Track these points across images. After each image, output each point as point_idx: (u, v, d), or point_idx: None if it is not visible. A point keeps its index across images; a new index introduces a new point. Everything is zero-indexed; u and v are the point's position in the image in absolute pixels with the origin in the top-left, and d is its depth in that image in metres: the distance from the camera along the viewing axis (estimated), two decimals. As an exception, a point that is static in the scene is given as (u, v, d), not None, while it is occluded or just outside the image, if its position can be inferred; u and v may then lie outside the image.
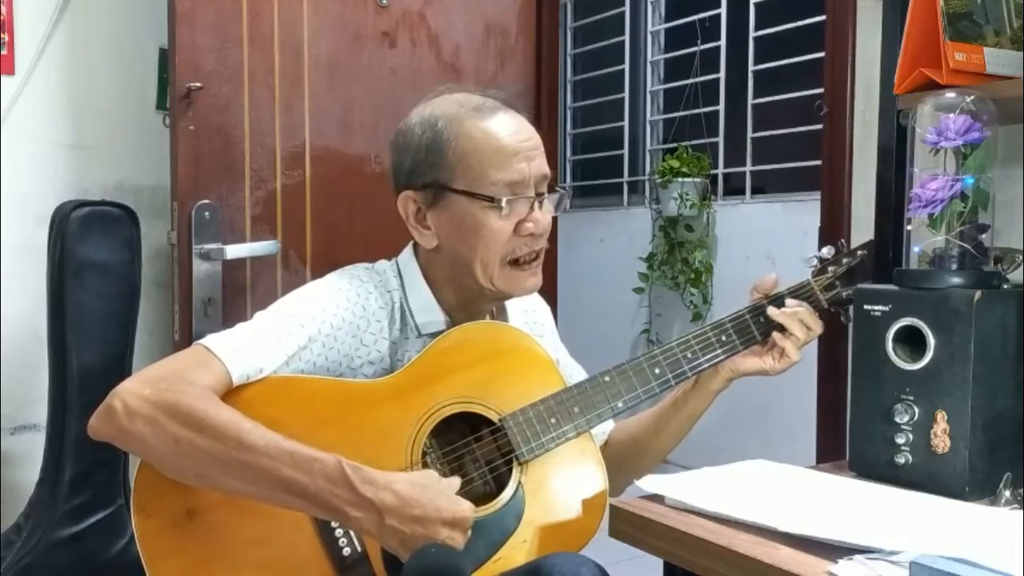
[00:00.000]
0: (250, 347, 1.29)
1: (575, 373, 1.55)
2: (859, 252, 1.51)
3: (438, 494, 1.20)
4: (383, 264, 1.47)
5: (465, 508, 1.20)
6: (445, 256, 1.41)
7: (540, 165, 1.39)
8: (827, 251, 1.51)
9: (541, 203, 1.40)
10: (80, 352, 1.96)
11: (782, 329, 1.43)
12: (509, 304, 1.52)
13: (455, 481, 1.25)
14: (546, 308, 1.63)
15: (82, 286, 1.97)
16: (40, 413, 2.08)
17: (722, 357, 1.45)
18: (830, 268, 1.50)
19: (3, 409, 2.14)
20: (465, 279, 1.41)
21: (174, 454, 1.21)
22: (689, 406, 1.49)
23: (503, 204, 1.36)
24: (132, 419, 1.20)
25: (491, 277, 1.39)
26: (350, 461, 1.18)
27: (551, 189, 1.43)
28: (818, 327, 1.45)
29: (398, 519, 1.16)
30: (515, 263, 1.39)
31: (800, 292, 1.49)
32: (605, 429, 1.58)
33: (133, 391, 1.22)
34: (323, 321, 1.34)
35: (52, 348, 2.00)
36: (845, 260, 1.50)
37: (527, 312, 1.56)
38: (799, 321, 1.43)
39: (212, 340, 1.29)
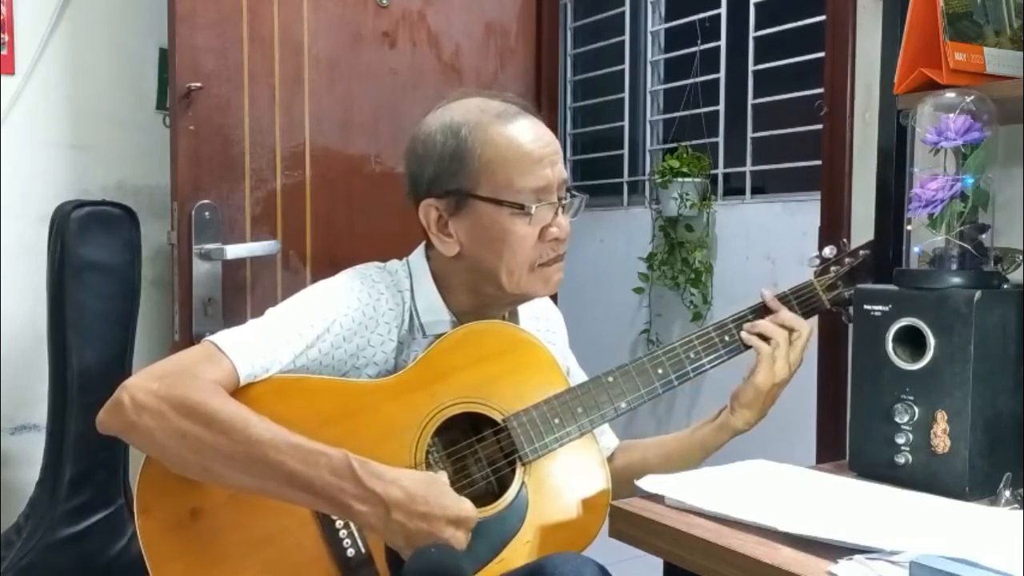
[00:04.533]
0: (259, 346, 1.29)
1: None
2: (861, 252, 1.51)
3: (443, 492, 1.20)
4: (395, 264, 1.47)
5: (468, 508, 1.21)
6: (466, 263, 1.40)
7: (561, 170, 1.40)
8: (829, 251, 1.52)
9: (564, 208, 1.40)
10: (80, 352, 1.96)
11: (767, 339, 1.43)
12: (521, 311, 1.51)
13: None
14: (559, 316, 1.62)
15: (82, 286, 1.97)
16: (40, 413, 2.08)
17: (725, 358, 1.45)
18: (832, 268, 1.50)
19: (3, 409, 2.14)
20: (485, 286, 1.40)
21: (180, 448, 1.21)
22: (705, 440, 1.49)
23: (532, 211, 1.36)
24: (139, 413, 1.21)
25: (518, 283, 1.38)
26: (357, 456, 1.19)
27: (568, 193, 1.42)
28: (804, 327, 1.44)
29: (404, 514, 1.17)
30: (541, 266, 1.40)
31: (803, 292, 1.49)
32: (608, 446, 1.58)
33: (141, 386, 1.23)
34: (333, 321, 1.34)
35: (52, 348, 2.00)
36: (847, 260, 1.51)
37: (538, 320, 1.56)
38: (779, 326, 1.43)
39: (222, 337, 1.29)
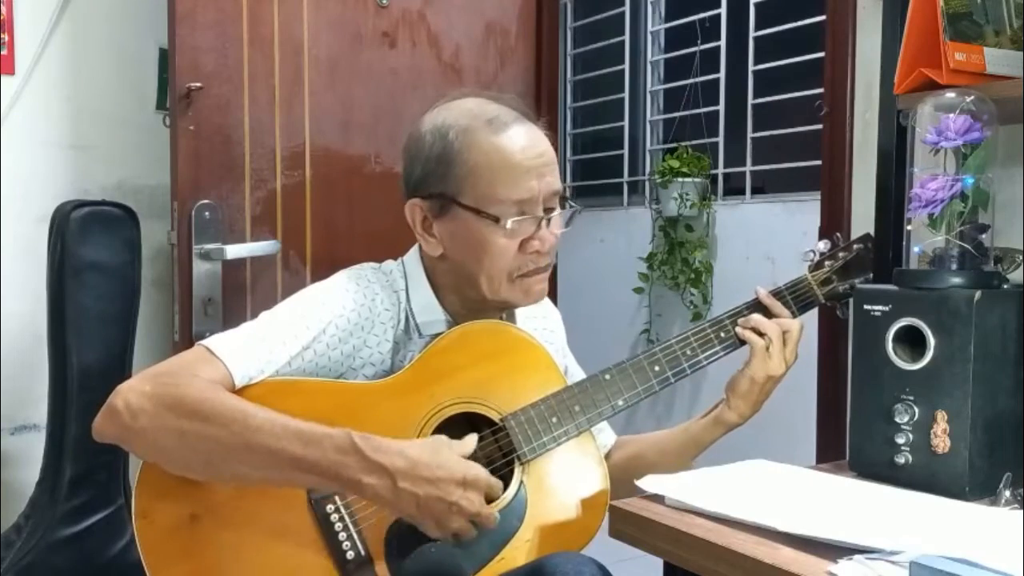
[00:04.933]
0: (254, 349, 1.29)
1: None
2: (855, 246, 1.52)
3: (450, 457, 1.21)
4: (390, 264, 1.47)
5: (477, 470, 1.21)
6: (450, 265, 1.40)
7: (551, 182, 1.37)
8: (823, 245, 1.52)
9: (549, 221, 1.38)
10: (80, 352, 1.96)
11: (761, 333, 1.43)
12: (518, 311, 1.51)
13: (470, 439, 1.25)
14: (558, 316, 1.62)
15: (82, 286, 1.97)
16: (40, 413, 2.08)
17: (721, 354, 1.45)
18: (826, 263, 1.50)
19: (3, 409, 2.14)
20: (469, 290, 1.40)
21: (180, 447, 1.21)
22: (698, 434, 1.48)
23: (508, 225, 1.35)
24: (135, 417, 1.21)
25: (497, 291, 1.38)
26: (359, 432, 1.19)
27: (562, 203, 1.41)
28: (794, 325, 1.44)
29: (410, 481, 1.17)
30: (521, 276, 1.39)
31: (797, 287, 1.49)
32: (606, 443, 1.58)
33: (135, 388, 1.22)
34: (329, 322, 1.34)
35: (52, 348, 2.00)
36: (841, 254, 1.51)
37: (536, 319, 1.55)
38: (773, 323, 1.43)
39: (215, 341, 1.29)
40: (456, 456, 1.22)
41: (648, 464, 1.49)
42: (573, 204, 1.44)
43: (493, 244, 1.35)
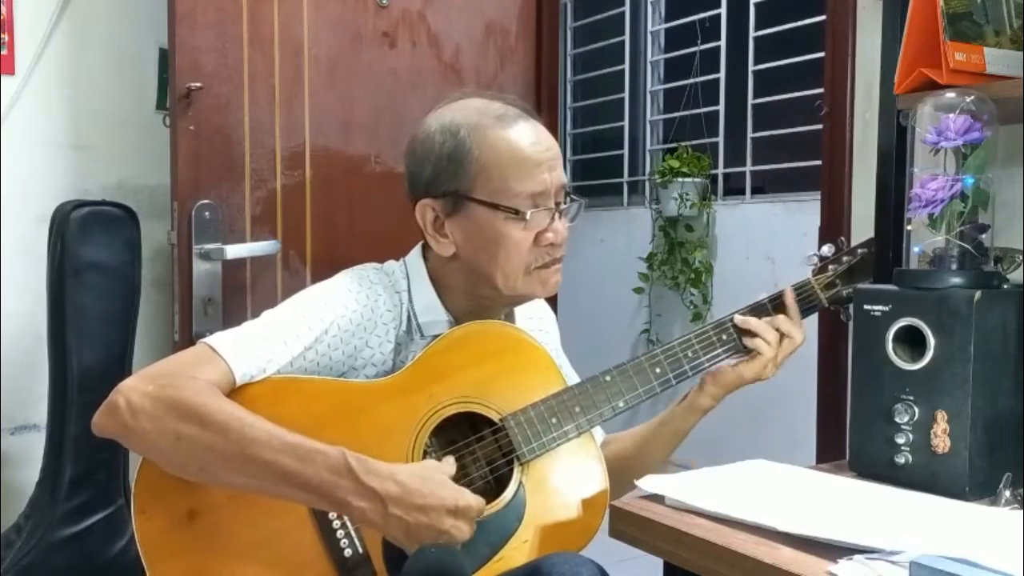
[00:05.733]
0: (255, 348, 1.29)
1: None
2: (859, 250, 1.51)
3: (442, 484, 1.20)
4: (392, 264, 1.47)
5: (469, 498, 1.20)
6: (462, 265, 1.40)
7: (560, 175, 1.39)
8: (827, 249, 1.52)
9: (561, 213, 1.40)
10: (80, 352, 1.96)
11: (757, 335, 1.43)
12: (517, 312, 1.51)
13: (449, 462, 1.25)
14: (552, 317, 1.62)
15: (82, 286, 1.97)
16: (40, 413, 2.08)
17: (723, 357, 1.45)
18: (830, 266, 1.50)
19: (3, 409, 2.14)
20: (481, 287, 1.40)
21: (177, 450, 1.21)
22: (675, 423, 1.49)
23: (527, 216, 1.35)
24: (135, 416, 1.21)
25: (514, 285, 1.38)
26: (353, 452, 1.19)
27: (567, 198, 1.42)
28: (799, 335, 1.44)
29: (402, 508, 1.17)
30: (538, 268, 1.39)
31: (801, 291, 1.49)
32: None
33: (136, 388, 1.22)
34: (331, 323, 1.34)
35: (52, 348, 2.00)
36: (845, 258, 1.51)
37: (532, 320, 1.55)
38: (775, 329, 1.43)
39: (217, 339, 1.29)
40: (447, 483, 1.21)
41: (630, 459, 1.50)
42: (576, 198, 1.44)
43: (509, 238, 1.36)
